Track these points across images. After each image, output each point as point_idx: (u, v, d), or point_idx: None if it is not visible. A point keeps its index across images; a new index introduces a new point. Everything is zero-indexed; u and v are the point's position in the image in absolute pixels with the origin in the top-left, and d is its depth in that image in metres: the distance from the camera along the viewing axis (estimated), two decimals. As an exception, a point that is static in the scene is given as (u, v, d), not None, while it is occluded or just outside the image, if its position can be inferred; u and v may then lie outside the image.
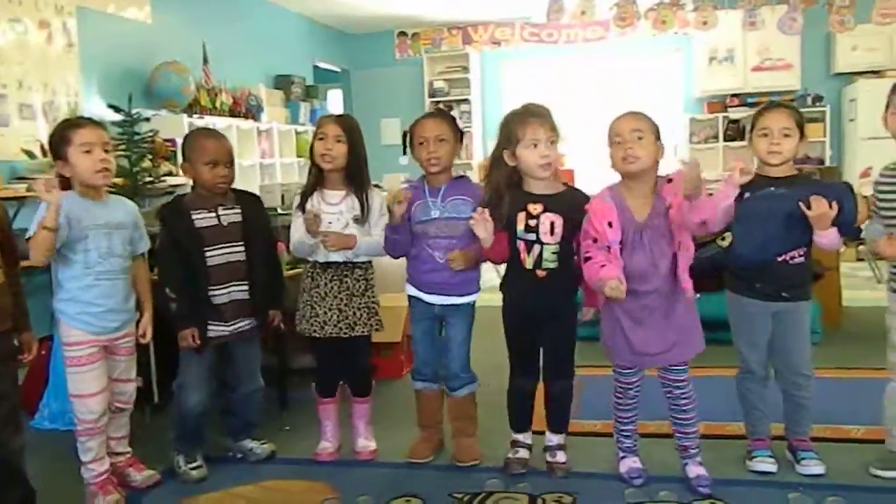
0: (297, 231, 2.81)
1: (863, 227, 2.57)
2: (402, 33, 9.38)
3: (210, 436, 2.91)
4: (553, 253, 2.55)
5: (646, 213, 2.43)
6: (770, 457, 2.62)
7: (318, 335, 2.82)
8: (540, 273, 2.57)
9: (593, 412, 2.97)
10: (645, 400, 2.62)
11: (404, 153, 2.83)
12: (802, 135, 2.55)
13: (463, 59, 9.14)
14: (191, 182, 2.84)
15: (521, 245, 2.58)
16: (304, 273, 2.92)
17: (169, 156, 5.04)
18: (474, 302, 2.83)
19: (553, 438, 2.75)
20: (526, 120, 2.53)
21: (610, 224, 2.41)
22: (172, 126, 5.24)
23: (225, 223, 2.76)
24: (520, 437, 2.79)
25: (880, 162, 2.58)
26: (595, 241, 2.43)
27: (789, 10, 5.61)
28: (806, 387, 2.61)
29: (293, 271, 3.34)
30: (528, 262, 2.57)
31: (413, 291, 2.83)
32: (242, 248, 2.77)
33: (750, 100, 8.03)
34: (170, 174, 4.69)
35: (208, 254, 2.71)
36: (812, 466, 2.58)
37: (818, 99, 8.02)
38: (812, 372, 2.63)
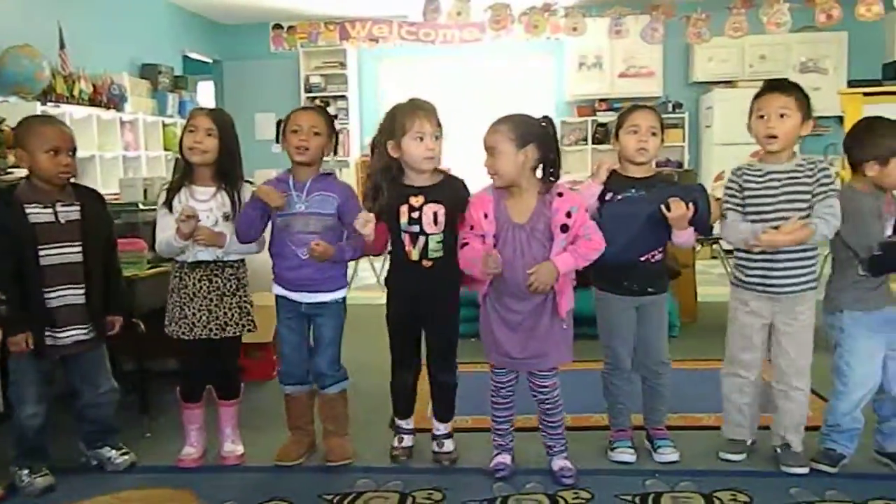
0: (165, 231, 2.68)
1: (718, 228, 2.72)
2: (278, 26, 9.17)
3: (58, 445, 2.73)
4: (438, 242, 2.59)
5: (526, 216, 2.48)
6: (630, 447, 2.75)
7: (187, 337, 2.71)
8: (426, 263, 2.60)
9: (465, 408, 3.00)
10: (519, 394, 2.67)
11: (277, 141, 2.77)
12: (662, 137, 2.69)
13: (340, 54, 9.04)
14: (26, 172, 2.62)
15: (405, 238, 2.60)
16: (172, 273, 2.78)
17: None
18: (344, 298, 2.80)
19: (440, 427, 2.79)
20: (414, 112, 2.56)
21: (486, 216, 2.46)
22: (24, 114, 4.83)
23: (63, 221, 2.58)
24: (403, 423, 2.81)
25: (733, 166, 2.73)
26: (472, 228, 2.50)
27: (651, 20, 5.91)
28: (664, 374, 2.75)
29: (154, 270, 3.18)
30: (414, 254, 2.59)
31: (279, 290, 2.77)
32: (80, 249, 2.59)
33: (616, 105, 8.39)
34: (17, 166, 4.35)
35: (42, 253, 2.52)
36: (667, 454, 2.72)
37: (678, 106, 8.49)
38: (669, 360, 2.77)
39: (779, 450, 2.67)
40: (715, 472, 2.63)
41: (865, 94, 4.28)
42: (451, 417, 2.80)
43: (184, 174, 2.76)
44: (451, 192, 2.62)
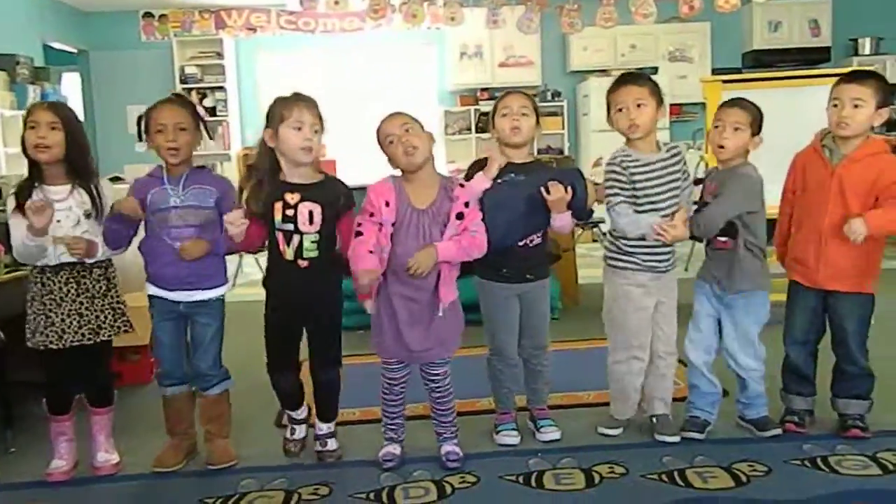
0: (19, 233, 2.50)
1: (617, 218, 2.72)
2: (148, 14, 8.76)
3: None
4: (313, 242, 2.54)
5: (427, 202, 2.50)
6: (514, 429, 2.81)
7: (56, 346, 2.55)
8: (302, 263, 2.54)
9: (353, 400, 2.99)
10: (409, 383, 2.67)
11: (140, 139, 2.65)
12: (538, 121, 2.74)
13: (216, 44, 8.74)
14: None
15: (279, 236, 2.54)
16: (31, 279, 2.61)
17: None
18: (223, 295, 2.72)
19: (323, 427, 2.75)
20: (294, 102, 2.52)
21: (387, 203, 2.46)
22: None
23: None
24: (294, 413, 2.77)
25: (611, 151, 2.81)
26: (372, 215, 2.48)
27: (526, 11, 6.04)
28: (546, 357, 2.83)
29: (10, 275, 2.98)
30: (289, 253, 2.54)
31: (154, 290, 2.66)
32: None
33: (498, 94, 8.48)
34: None
35: None
36: (549, 433, 2.80)
37: (557, 94, 8.72)
38: (549, 342, 2.84)
39: (654, 419, 2.80)
40: (594, 447, 2.73)
41: (724, 81, 4.51)
42: (334, 417, 2.77)
43: (31, 175, 2.58)
44: (330, 192, 2.58)
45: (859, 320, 2.68)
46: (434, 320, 2.52)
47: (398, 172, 2.55)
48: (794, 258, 2.75)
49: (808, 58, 8.31)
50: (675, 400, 2.85)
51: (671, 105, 8.13)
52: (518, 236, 2.67)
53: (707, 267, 2.79)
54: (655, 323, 2.75)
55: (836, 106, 2.63)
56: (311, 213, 2.52)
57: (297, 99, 2.54)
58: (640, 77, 2.73)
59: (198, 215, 2.59)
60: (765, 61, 8.42)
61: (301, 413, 2.80)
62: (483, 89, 8.76)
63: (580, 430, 2.87)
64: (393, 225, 2.47)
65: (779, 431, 2.74)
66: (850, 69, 2.89)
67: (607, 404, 2.90)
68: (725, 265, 2.70)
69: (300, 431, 2.79)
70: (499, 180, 2.66)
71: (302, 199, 2.52)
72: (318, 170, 2.63)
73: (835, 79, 2.75)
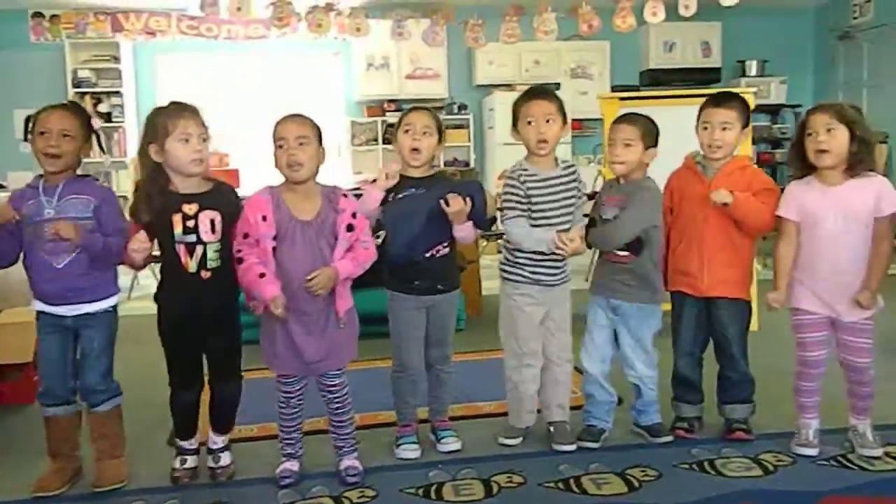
0: None
1: (510, 230, 2.77)
2: (38, 14, 8.34)
3: None
4: (216, 251, 2.47)
5: (311, 213, 2.46)
6: (414, 443, 2.80)
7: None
8: (205, 274, 2.47)
9: (250, 417, 2.92)
10: (308, 397, 2.63)
11: (25, 139, 2.52)
12: (441, 138, 2.75)
13: (112, 47, 8.39)
14: None
15: (180, 249, 2.45)
16: None
17: None
18: (114, 306, 2.60)
19: (217, 440, 2.67)
20: (178, 113, 2.44)
21: (264, 218, 2.41)
22: None
23: None
24: (185, 444, 2.66)
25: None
26: (246, 236, 2.41)
27: (432, 24, 6.10)
28: (449, 369, 2.85)
29: None
30: (192, 266, 2.46)
31: (39, 305, 2.52)
32: None
33: (405, 106, 8.55)
34: None
35: None
36: (450, 444, 2.82)
37: (463, 107, 8.83)
38: (452, 352, 2.87)
39: (552, 428, 2.85)
40: (494, 458, 2.76)
41: (621, 98, 4.68)
42: (230, 429, 2.71)
43: None
44: (224, 198, 2.52)
45: (740, 327, 2.82)
46: (328, 329, 2.50)
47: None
48: (678, 270, 2.87)
49: (700, 77, 8.71)
50: (573, 409, 2.92)
51: (573, 120, 8.35)
52: (423, 248, 2.68)
53: (602, 280, 2.87)
54: (548, 331, 2.81)
55: (706, 129, 2.79)
56: (212, 222, 2.46)
57: (181, 109, 2.46)
58: (550, 93, 2.80)
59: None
60: (661, 80, 8.78)
61: (193, 443, 2.68)
62: (390, 101, 8.76)
63: (480, 440, 2.90)
64: (275, 238, 2.43)
65: (670, 438, 2.85)
66: (717, 90, 3.08)
67: (506, 414, 2.93)
68: (625, 277, 2.78)
69: (191, 461, 2.67)
70: (400, 195, 2.67)
71: (201, 209, 2.46)
72: (207, 177, 2.57)
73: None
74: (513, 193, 2.75)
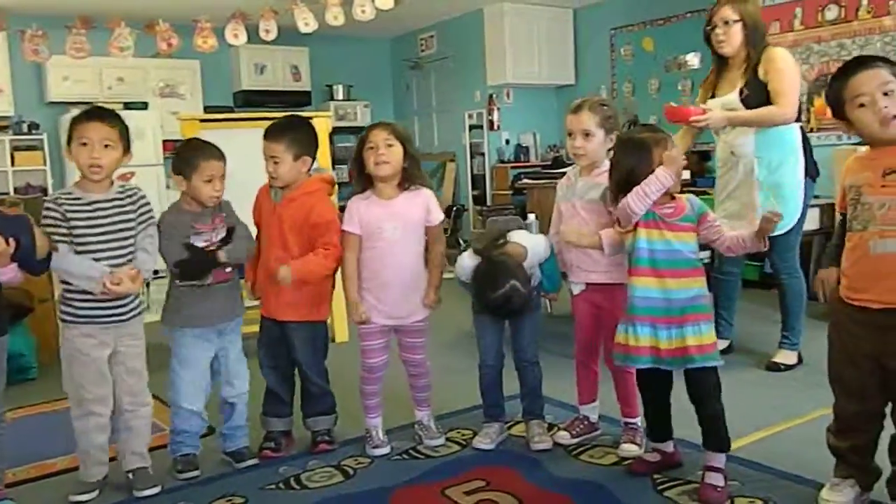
0: None
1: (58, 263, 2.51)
2: None
3: None
4: None
5: None
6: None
7: None
8: None
9: None
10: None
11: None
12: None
13: None
14: None
15: None
16: None
17: None
18: None
19: None
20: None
21: None
22: None
23: None
24: None
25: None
26: None
27: (-22, 32, 5.30)
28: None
29: None
30: None
31: None
32: None
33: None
34: None
35: None
36: (1, 515, 2.46)
37: (35, 126, 7.87)
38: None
39: (131, 475, 2.65)
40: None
41: (201, 120, 4.60)
42: None
43: None
44: None
45: (313, 347, 2.92)
46: None
47: None
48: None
49: (291, 100, 8.97)
50: (159, 448, 2.75)
51: (164, 141, 8.00)
52: None
53: (198, 308, 2.73)
54: (118, 375, 2.62)
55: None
56: None
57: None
58: (112, 115, 2.59)
59: None
60: (254, 101, 8.85)
61: None
62: (-62, 118, 7.45)
63: (49, 502, 2.58)
64: None
65: (255, 461, 2.84)
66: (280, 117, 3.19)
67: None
68: (221, 298, 2.74)
69: None
70: None
71: None
72: None
73: (315, 121, 3.06)
74: (51, 217, 2.51)
